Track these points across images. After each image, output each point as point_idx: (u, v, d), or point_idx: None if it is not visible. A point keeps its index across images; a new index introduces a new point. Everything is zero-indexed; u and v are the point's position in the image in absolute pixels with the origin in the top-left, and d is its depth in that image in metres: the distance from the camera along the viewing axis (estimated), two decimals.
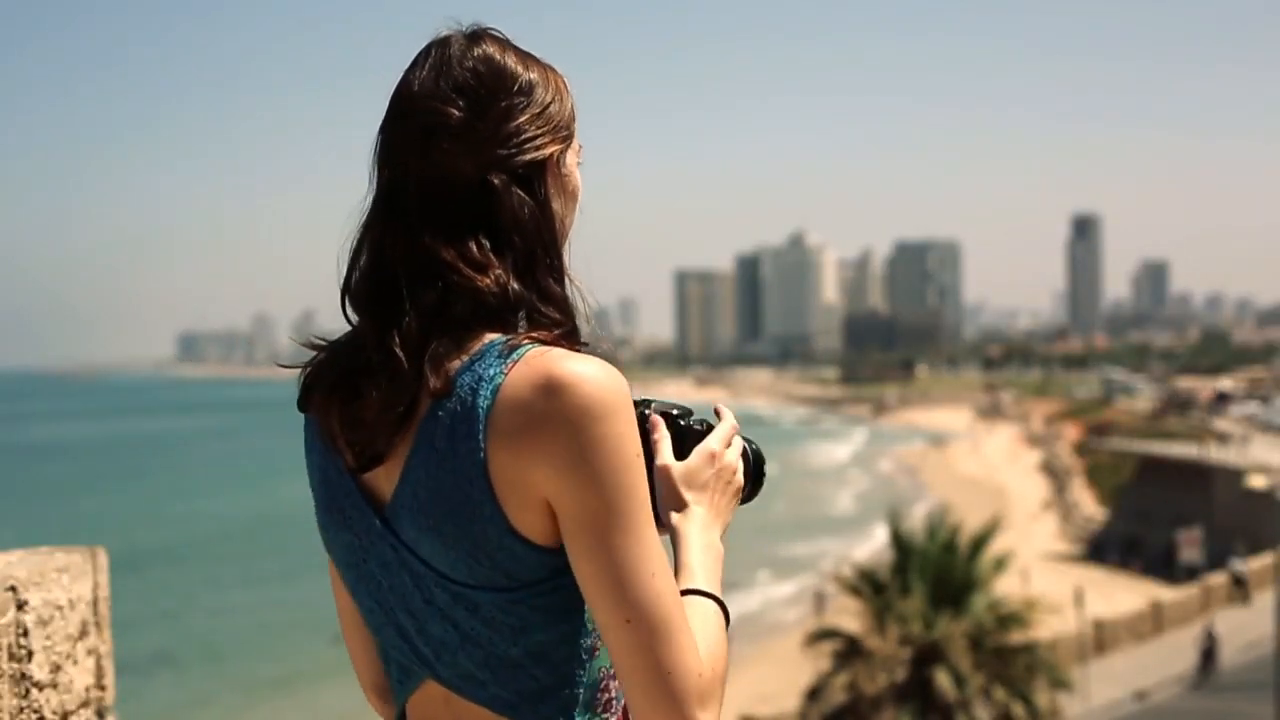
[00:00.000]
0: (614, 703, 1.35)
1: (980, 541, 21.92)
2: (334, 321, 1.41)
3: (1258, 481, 43.18)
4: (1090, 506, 59.06)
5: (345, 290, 1.37)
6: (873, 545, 43.35)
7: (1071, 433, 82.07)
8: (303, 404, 1.40)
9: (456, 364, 1.27)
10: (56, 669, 2.24)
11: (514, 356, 1.26)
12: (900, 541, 22.09)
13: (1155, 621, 32.45)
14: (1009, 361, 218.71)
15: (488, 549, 1.26)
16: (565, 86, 1.42)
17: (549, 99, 1.38)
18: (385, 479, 1.32)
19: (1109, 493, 57.58)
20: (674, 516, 1.42)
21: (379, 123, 1.39)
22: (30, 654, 2.17)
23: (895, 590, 21.07)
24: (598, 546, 1.23)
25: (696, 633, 1.28)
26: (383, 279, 1.32)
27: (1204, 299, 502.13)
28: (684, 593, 1.33)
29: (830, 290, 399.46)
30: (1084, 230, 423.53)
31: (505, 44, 1.40)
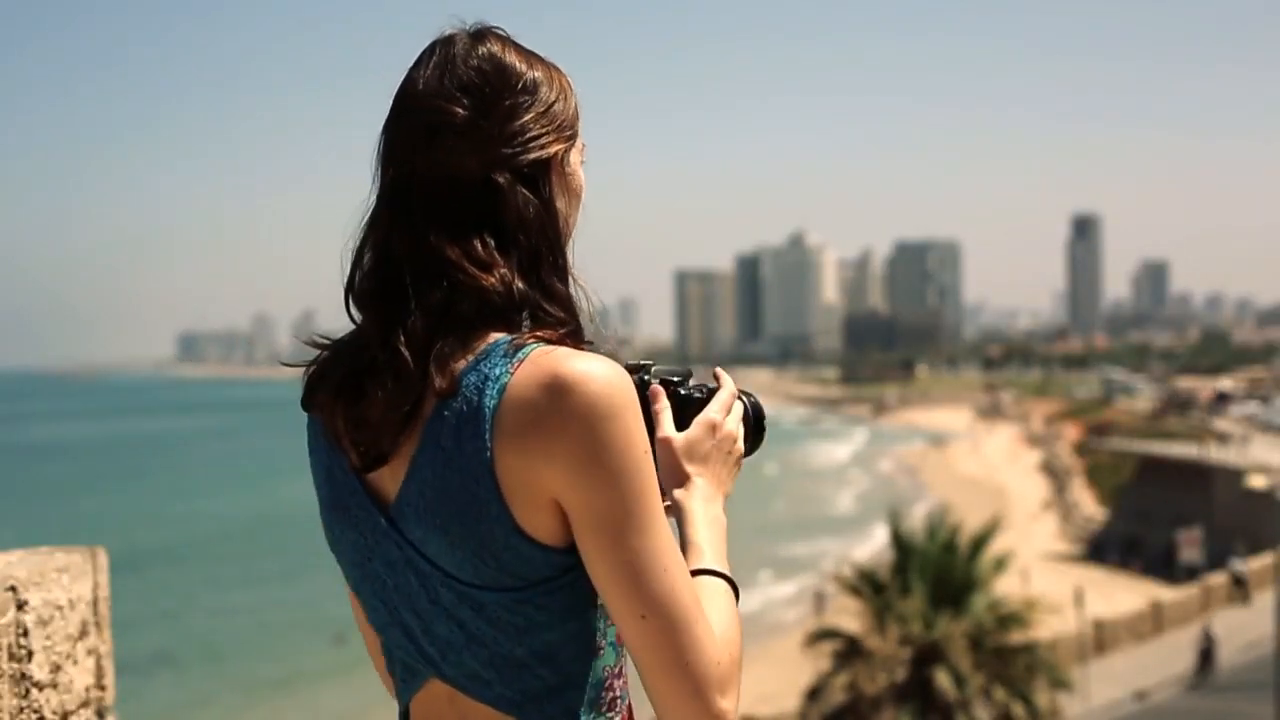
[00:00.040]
0: (618, 701, 1.36)
1: (980, 541, 21.92)
2: (334, 321, 1.41)
3: (1258, 481, 43.19)
4: (1090, 506, 59.06)
5: (349, 289, 1.37)
6: (873, 545, 43.37)
7: (1071, 433, 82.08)
8: (306, 403, 1.40)
9: (462, 363, 1.27)
10: (56, 669, 2.24)
11: (520, 355, 1.26)
12: (900, 541, 22.10)
13: (1155, 621, 32.45)
14: (1009, 361, 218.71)
15: (493, 548, 1.26)
16: (569, 85, 1.42)
17: (553, 98, 1.38)
18: (390, 478, 1.32)
19: (1109, 493, 57.59)
20: (677, 492, 1.43)
21: (380, 122, 1.39)
22: (30, 654, 2.16)
23: (895, 590, 21.07)
24: (611, 545, 1.24)
25: (711, 617, 1.28)
26: (387, 277, 1.32)
27: (1204, 299, 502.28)
28: (693, 573, 1.33)
29: (830, 290, 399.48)
30: (1084, 230, 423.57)
31: (509, 42, 1.40)
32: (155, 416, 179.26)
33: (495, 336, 1.29)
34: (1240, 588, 34.84)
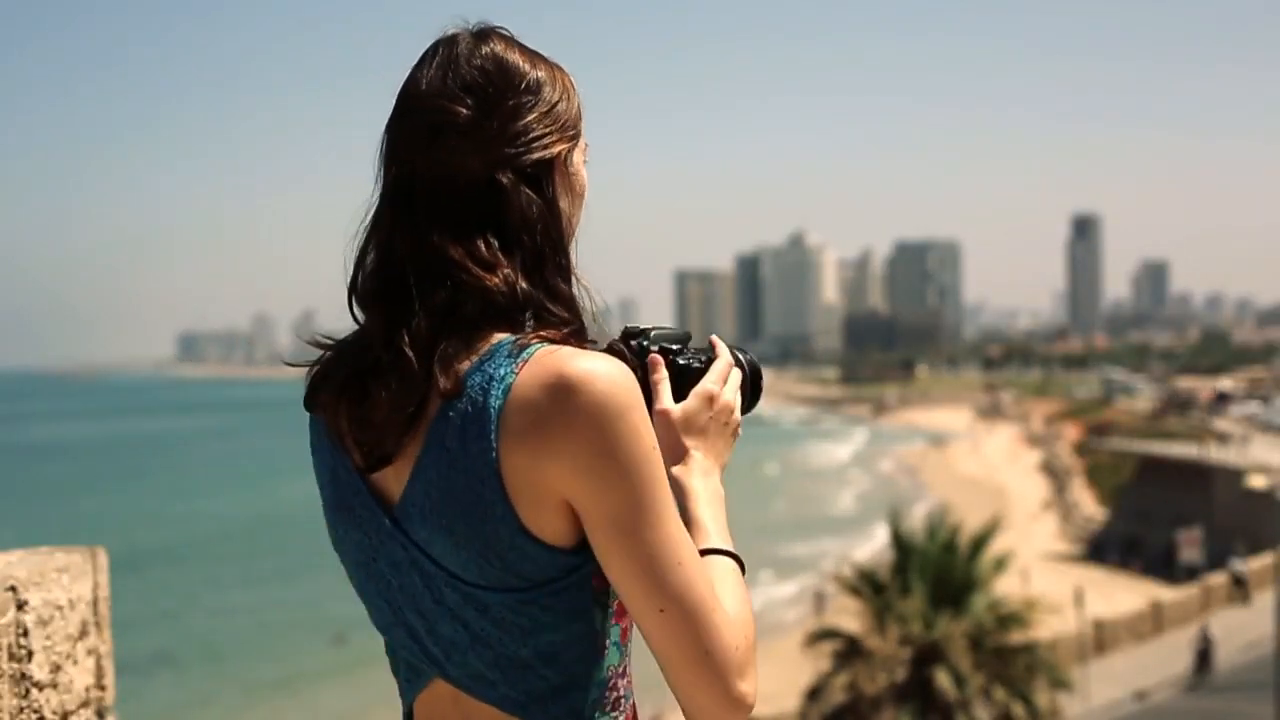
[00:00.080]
0: (622, 701, 1.36)
1: (980, 541, 21.92)
2: (334, 321, 1.42)
3: (1258, 481, 43.19)
4: (1090, 506, 59.08)
5: (352, 289, 1.37)
6: (873, 545, 43.38)
7: (1071, 433, 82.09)
8: (309, 403, 1.40)
9: (466, 364, 1.27)
10: (56, 669, 2.24)
11: (524, 356, 1.26)
12: (900, 541, 22.10)
13: (1155, 621, 32.46)
14: (1009, 361, 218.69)
15: (499, 549, 1.26)
16: (572, 85, 1.42)
17: (556, 97, 1.38)
18: (394, 479, 1.32)
19: (1109, 493, 57.60)
20: (675, 469, 1.43)
21: (381, 121, 1.39)
22: (30, 654, 2.16)
23: (895, 590, 21.08)
24: (625, 542, 1.25)
25: (724, 601, 1.29)
26: (390, 277, 1.32)
27: (1204, 299, 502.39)
28: (701, 553, 1.34)
29: (830, 290, 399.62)
30: (1084, 230, 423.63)
31: (512, 42, 1.40)
32: (155, 416, 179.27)
33: (499, 337, 1.29)
34: (1240, 588, 34.84)
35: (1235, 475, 45.85)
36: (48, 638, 2.22)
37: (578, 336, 1.31)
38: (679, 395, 1.46)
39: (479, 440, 1.24)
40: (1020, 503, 62.30)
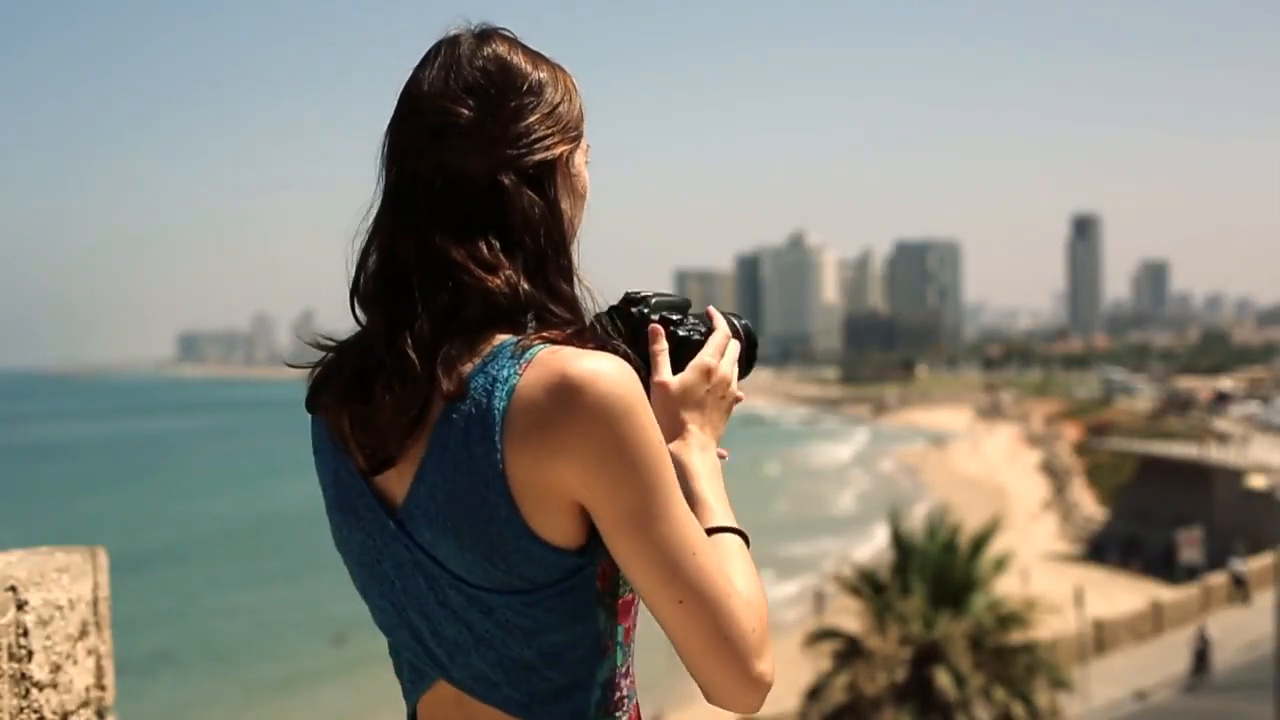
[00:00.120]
0: (625, 701, 1.36)
1: (980, 541, 21.93)
2: (334, 321, 1.41)
3: (1258, 481, 43.19)
4: (1090, 506, 59.09)
5: (354, 290, 1.37)
6: (873, 545, 43.38)
7: (1071, 433, 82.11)
8: (311, 405, 1.40)
9: (469, 366, 1.27)
10: (56, 669, 2.24)
11: (526, 357, 1.26)
12: (900, 541, 22.10)
13: (1155, 621, 32.47)
14: (1009, 361, 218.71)
15: (503, 551, 1.26)
16: (574, 86, 1.42)
17: (558, 99, 1.39)
18: (397, 481, 1.32)
19: (1109, 493, 57.62)
20: (674, 444, 1.43)
21: (382, 122, 1.39)
22: (30, 654, 2.16)
23: (895, 590, 21.09)
24: (639, 539, 1.25)
25: (737, 583, 1.31)
26: (392, 278, 1.32)
27: (1204, 299, 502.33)
28: (710, 530, 1.36)
29: (830, 290, 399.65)
30: (1084, 230, 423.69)
31: (515, 43, 1.40)
32: (155, 416, 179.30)
33: (501, 338, 1.29)
34: (1240, 588, 34.86)
35: (1235, 475, 45.85)
36: (48, 638, 2.22)
37: (580, 337, 1.31)
38: (678, 366, 1.47)
39: (483, 442, 1.25)
40: (1020, 503, 62.32)
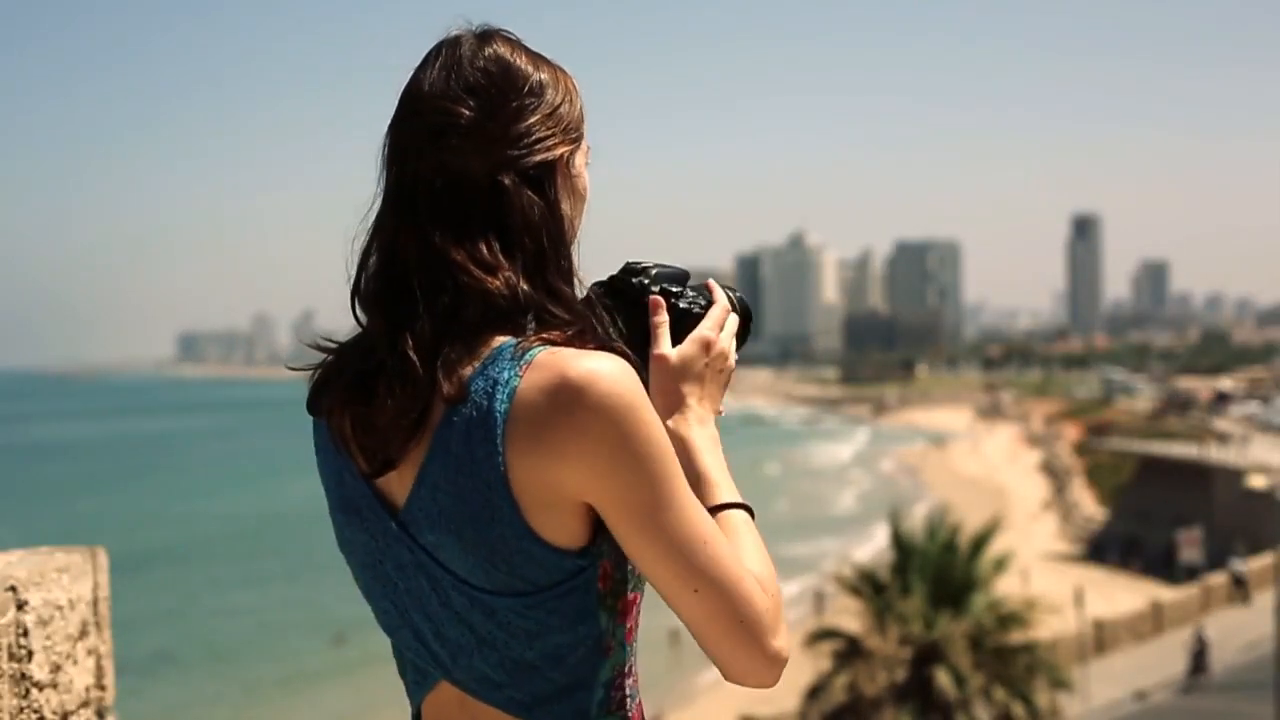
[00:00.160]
0: (628, 700, 1.37)
1: (980, 541, 21.95)
2: (334, 321, 1.41)
3: (1258, 481, 43.20)
4: (1090, 506, 59.10)
5: (355, 291, 1.37)
6: (874, 545, 43.37)
7: (1071, 433, 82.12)
8: (312, 407, 1.40)
9: (469, 370, 1.27)
10: (56, 669, 2.24)
11: (526, 359, 1.26)
12: (900, 541, 22.11)
13: (1155, 621, 32.47)
14: (1009, 361, 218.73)
15: (505, 553, 1.27)
16: (575, 88, 1.42)
17: (559, 100, 1.39)
18: (399, 483, 1.32)
19: (1109, 493, 57.62)
20: (671, 421, 1.44)
21: (382, 122, 1.39)
22: (30, 654, 2.16)
23: (895, 590, 21.10)
24: (651, 534, 1.27)
25: (748, 563, 1.33)
26: (392, 279, 1.33)
27: (1204, 299, 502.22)
28: (715, 508, 1.38)
29: (830, 290, 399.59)
30: (1084, 230, 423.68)
31: (516, 44, 1.40)
32: (155, 416, 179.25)
33: (501, 340, 1.29)
34: (1240, 588, 34.86)
35: (1235, 475, 45.86)
36: (48, 638, 2.22)
37: (580, 338, 1.31)
38: (677, 339, 1.48)
39: (485, 445, 1.25)
40: (1020, 503, 62.33)
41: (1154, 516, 47.19)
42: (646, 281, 1.49)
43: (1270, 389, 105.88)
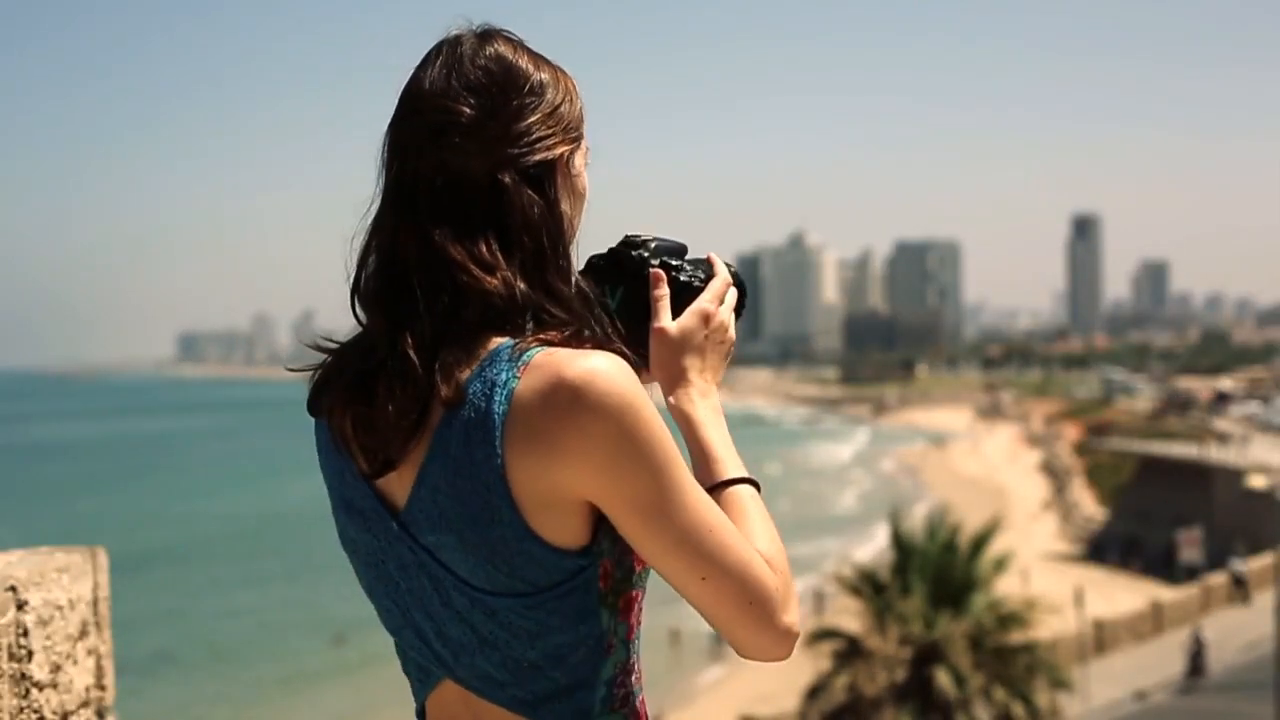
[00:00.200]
0: (631, 697, 1.37)
1: (980, 541, 21.95)
2: (334, 321, 1.42)
3: (1258, 481, 43.20)
4: (1090, 506, 59.10)
5: (354, 290, 1.37)
6: (874, 545, 43.38)
7: (1071, 433, 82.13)
8: (312, 408, 1.41)
9: (467, 372, 1.28)
10: (56, 669, 2.24)
11: (523, 360, 1.26)
12: (900, 541, 22.11)
13: (1155, 621, 32.47)
14: (1009, 361, 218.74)
15: (505, 554, 1.27)
16: (574, 88, 1.43)
17: (559, 99, 1.39)
18: (399, 483, 1.33)
19: (1109, 493, 57.62)
20: (673, 397, 1.46)
21: (382, 121, 1.39)
22: (30, 654, 2.16)
23: (895, 590, 21.10)
24: (656, 528, 1.27)
25: (757, 541, 1.33)
26: (392, 277, 1.33)
27: (1204, 299, 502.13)
28: (722, 484, 1.39)
29: (830, 290, 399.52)
30: (1084, 230, 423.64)
31: (517, 44, 1.41)
32: (155, 416, 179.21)
33: (498, 341, 1.30)
34: (1240, 588, 34.86)
35: (1235, 475, 45.87)
36: (48, 638, 2.22)
37: (577, 338, 1.32)
38: (676, 312, 1.48)
39: (484, 447, 1.25)
40: (1020, 503, 62.33)
41: (1154, 516, 47.19)
42: (646, 254, 1.49)
43: (1270, 389, 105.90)
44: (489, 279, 1.30)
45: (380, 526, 1.35)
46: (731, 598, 1.29)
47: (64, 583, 2.29)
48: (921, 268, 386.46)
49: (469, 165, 1.32)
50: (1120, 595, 37.47)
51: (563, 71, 1.42)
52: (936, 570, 21.09)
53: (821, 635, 21.48)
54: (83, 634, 2.35)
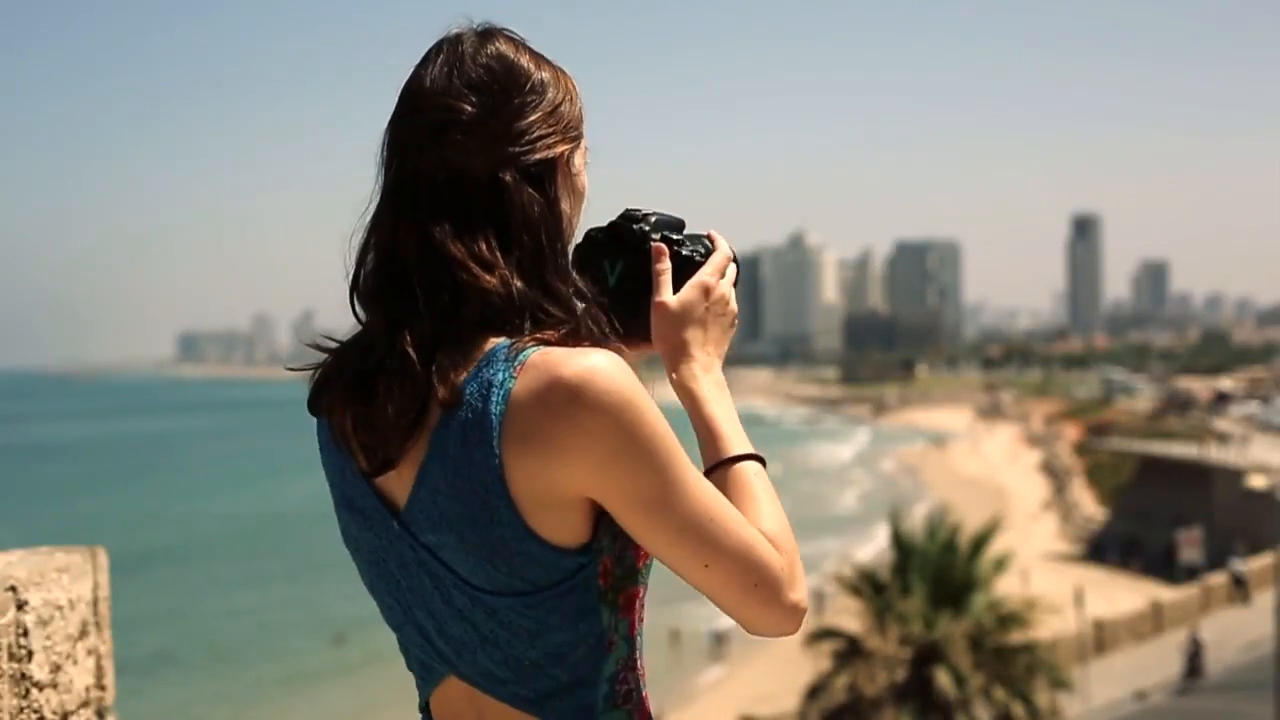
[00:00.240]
0: (632, 694, 1.37)
1: (980, 541, 21.94)
2: (334, 321, 1.42)
3: (1258, 481, 43.20)
4: (1090, 506, 59.10)
5: (353, 287, 1.38)
6: (874, 545, 43.37)
7: (1071, 433, 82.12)
8: (313, 407, 1.41)
9: (464, 372, 1.28)
10: (56, 669, 2.24)
11: (520, 360, 1.27)
12: (900, 541, 22.11)
13: (1155, 621, 32.46)
14: (1009, 361, 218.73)
15: (505, 554, 1.27)
16: (574, 88, 1.43)
17: (560, 99, 1.40)
18: (399, 482, 1.33)
19: (1109, 493, 57.62)
20: (676, 374, 1.46)
21: (381, 120, 1.39)
22: (30, 654, 2.16)
23: (895, 590, 21.10)
24: (658, 521, 1.28)
25: (762, 520, 1.34)
26: (392, 275, 1.33)
27: (1204, 299, 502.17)
28: (726, 462, 1.40)
29: (830, 290, 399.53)
30: (1084, 230, 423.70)
31: (518, 43, 1.41)
32: (155, 416, 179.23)
33: (495, 341, 1.30)
34: (1240, 588, 34.85)
35: (1235, 475, 45.86)
36: (48, 638, 2.21)
37: (574, 337, 1.32)
38: (676, 287, 1.49)
39: (482, 447, 1.25)
40: (1020, 503, 62.32)
41: (1154, 516, 47.19)
42: (647, 229, 1.49)
43: (1270, 389, 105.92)
44: (487, 277, 1.30)
45: (381, 525, 1.35)
46: (736, 581, 1.30)
47: (64, 583, 2.29)
48: (921, 268, 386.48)
49: (470, 163, 1.32)
50: (1120, 595, 37.46)
51: (563, 71, 1.43)
52: (936, 570, 21.09)
53: (821, 635, 21.49)
54: (83, 634, 2.35)
